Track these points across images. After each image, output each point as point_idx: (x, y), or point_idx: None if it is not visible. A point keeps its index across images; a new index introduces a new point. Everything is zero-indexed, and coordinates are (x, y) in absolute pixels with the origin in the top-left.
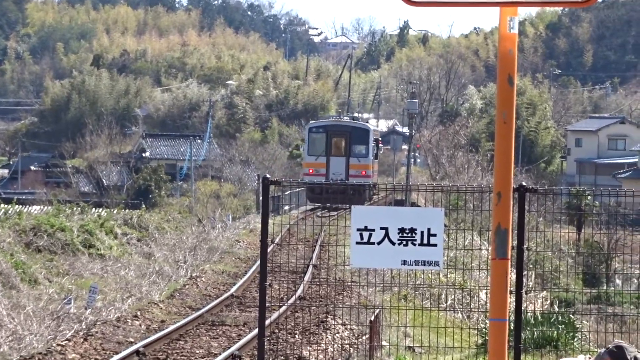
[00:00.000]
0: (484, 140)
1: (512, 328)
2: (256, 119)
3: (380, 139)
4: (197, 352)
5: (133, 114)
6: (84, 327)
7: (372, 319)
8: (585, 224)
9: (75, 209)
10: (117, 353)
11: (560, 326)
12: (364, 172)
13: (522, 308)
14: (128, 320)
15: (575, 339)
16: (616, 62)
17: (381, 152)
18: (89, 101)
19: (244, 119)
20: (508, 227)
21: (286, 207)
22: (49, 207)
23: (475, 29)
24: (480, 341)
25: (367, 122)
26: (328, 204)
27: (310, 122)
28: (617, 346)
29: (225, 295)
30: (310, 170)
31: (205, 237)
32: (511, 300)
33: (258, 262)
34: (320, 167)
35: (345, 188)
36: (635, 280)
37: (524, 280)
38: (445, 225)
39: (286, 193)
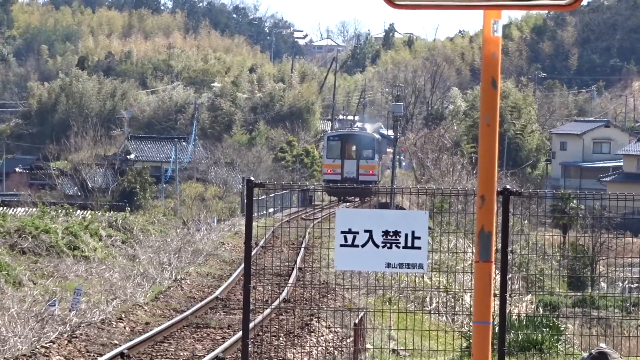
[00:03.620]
0: (465, 143)
1: (496, 331)
2: (242, 121)
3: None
4: (182, 354)
5: (118, 116)
6: (68, 329)
7: (357, 321)
8: (570, 227)
9: (59, 211)
10: (101, 355)
11: (544, 329)
12: (371, 172)
13: (507, 311)
14: (112, 322)
15: (560, 342)
16: (601, 66)
17: (384, 155)
18: (75, 103)
19: (230, 122)
20: (492, 230)
21: (271, 210)
22: (34, 209)
23: (460, 31)
24: (464, 344)
25: (373, 132)
26: (343, 196)
27: (328, 132)
28: (600, 352)
29: (210, 297)
30: (329, 170)
31: (190, 239)
32: (495, 303)
33: (243, 265)
34: (336, 168)
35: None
36: (620, 284)
37: (509, 283)
38: (429, 228)
39: (271, 195)
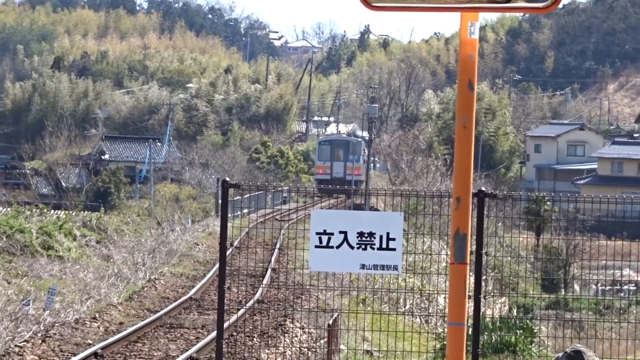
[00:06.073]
0: (437, 144)
1: (470, 333)
2: (217, 122)
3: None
4: (155, 354)
5: (93, 116)
6: (42, 328)
7: (331, 322)
8: (544, 229)
9: (34, 210)
10: (75, 355)
11: (518, 331)
12: (357, 172)
13: (481, 313)
14: (86, 322)
15: (533, 344)
16: (576, 69)
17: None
18: (49, 103)
19: (205, 122)
20: (467, 232)
21: (245, 210)
22: (8, 209)
23: (435, 34)
24: (438, 346)
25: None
26: (333, 194)
27: (320, 137)
28: (575, 350)
29: (184, 297)
30: (320, 171)
31: (164, 239)
32: (470, 305)
33: (217, 265)
34: (327, 169)
35: (343, 184)
36: (593, 286)
37: (483, 285)
38: (404, 230)
39: (246, 196)
